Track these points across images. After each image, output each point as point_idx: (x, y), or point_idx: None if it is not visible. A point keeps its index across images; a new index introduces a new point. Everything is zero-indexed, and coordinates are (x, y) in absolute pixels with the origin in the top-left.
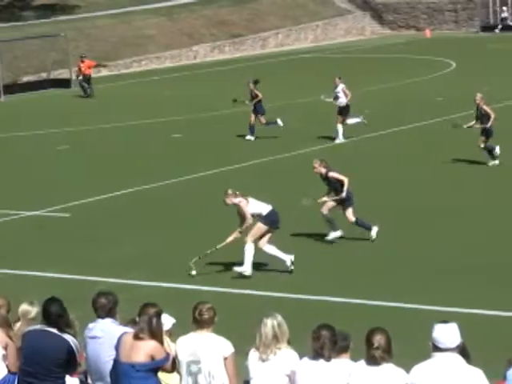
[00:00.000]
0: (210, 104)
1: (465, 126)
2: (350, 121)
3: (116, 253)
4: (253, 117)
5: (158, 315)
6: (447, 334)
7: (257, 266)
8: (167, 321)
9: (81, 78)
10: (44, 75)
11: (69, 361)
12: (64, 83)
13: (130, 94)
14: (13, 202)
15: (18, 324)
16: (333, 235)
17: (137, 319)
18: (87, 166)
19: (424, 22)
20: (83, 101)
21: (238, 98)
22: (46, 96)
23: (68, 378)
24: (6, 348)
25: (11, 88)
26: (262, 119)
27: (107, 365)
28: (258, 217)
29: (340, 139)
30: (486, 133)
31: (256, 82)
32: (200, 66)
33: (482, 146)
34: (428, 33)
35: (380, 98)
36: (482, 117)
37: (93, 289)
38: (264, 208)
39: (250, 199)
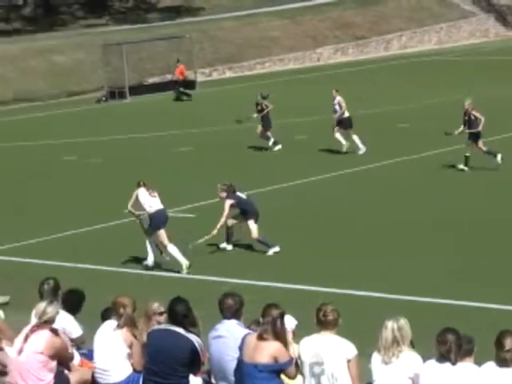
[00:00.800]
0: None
1: (456, 133)
2: (356, 138)
3: (240, 254)
4: (260, 128)
5: (282, 316)
6: None
7: (381, 268)
8: (290, 322)
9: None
10: (169, 77)
11: (193, 360)
12: (189, 85)
13: (253, 96)
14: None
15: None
16: (272, 251)
17: (260, 320)
18: (211, 167)
19: None
20: (207, 102)
21: (240, 118)
22: (170, 97)
23: (192, 377)
24: (130, 347)
25: (137, 89)
26: (264, 131)
27: (231, 364)
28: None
29: (362, 149)
30: (476, 137)
31: (264, 97)
32: (323, 68)
33: (484, 149)
34: None
35: (502, 102)
36: (470, 121)
37: (217, 289)
38: (150, 206)
39: (142, 191)
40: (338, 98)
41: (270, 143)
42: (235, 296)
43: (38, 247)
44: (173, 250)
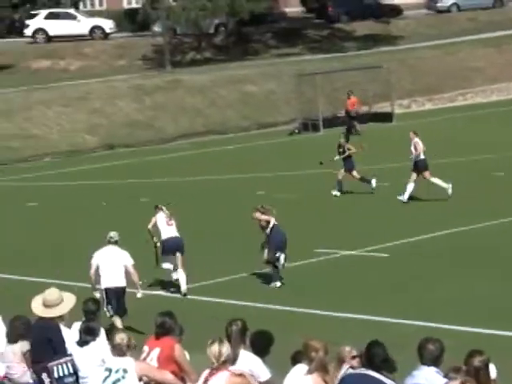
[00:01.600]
0: None
1: None
2: (435, 180)
3: (435, 295)
4: (341, 172)
5: (486, 365)
6: None
7: None
8: (491, 370)
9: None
10: (365, 108)
11: None
12: (386, 117)
13: (450, 129)
14: (332, 241)
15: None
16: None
17: (463, 367)
18: (401, 205)
19: None
20: (405, 136)
21: (323, 160)
22: (364, 130)
23: None
24: None
25: (330, 121)
26: (355, 173)
27: None
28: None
29: (404, 198)
30: None
31: (347, 137)
32: None
33: None
34: None
35: None
36: None
37: (411, 333)
38: (164, 233)
39: (160, 217)
40: (416, 140)
41: (335, 192)
42: (436, 342)
43: (226, 286)
44: (181, 275)
